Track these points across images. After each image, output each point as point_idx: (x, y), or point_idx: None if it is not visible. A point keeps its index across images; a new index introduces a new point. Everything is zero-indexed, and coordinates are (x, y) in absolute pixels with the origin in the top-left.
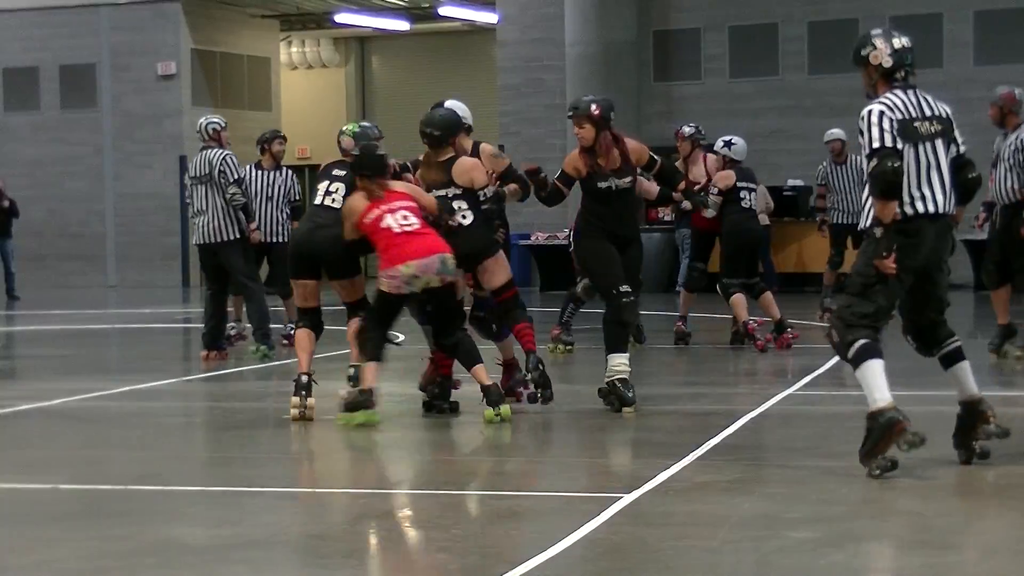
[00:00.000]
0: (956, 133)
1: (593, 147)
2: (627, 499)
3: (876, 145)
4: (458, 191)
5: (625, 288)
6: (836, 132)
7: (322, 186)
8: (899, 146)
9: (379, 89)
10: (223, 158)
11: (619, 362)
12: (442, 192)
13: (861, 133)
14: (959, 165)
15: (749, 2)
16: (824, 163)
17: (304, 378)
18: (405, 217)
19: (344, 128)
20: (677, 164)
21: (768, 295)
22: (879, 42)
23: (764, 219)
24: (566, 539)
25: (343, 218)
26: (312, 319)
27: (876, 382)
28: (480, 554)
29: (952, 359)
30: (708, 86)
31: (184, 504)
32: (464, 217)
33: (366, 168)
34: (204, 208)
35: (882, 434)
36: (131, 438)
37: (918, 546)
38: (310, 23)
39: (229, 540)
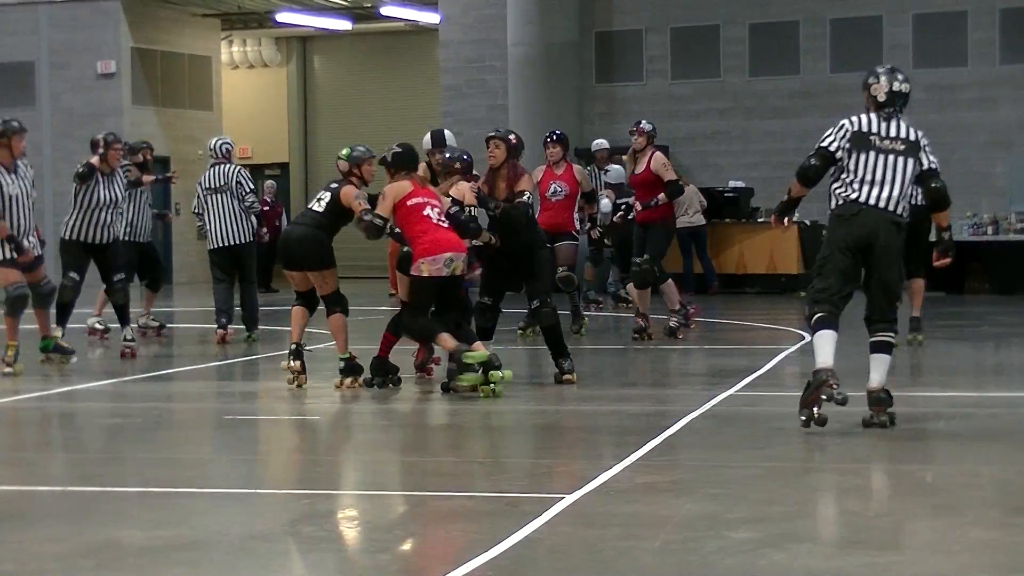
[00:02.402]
0: (923, 153)
1: (498, 168)
2: (568, 500)
3: (821, 144)
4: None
5: (486, 300)
6: (602, 142)
7: (321, 194)
8: (835, 149)
9: (321, 89)
10: (238, 171)
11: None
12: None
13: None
14: (923, 177)
15: (691, 4)
16: (588, 169)
17: (294, 346)
18: (439, 212)
19: (340, 154)
20: (624, 158)
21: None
22: (883, 79)
23: (700, 218)
24: (507, 540)
25: (383, 196)
26: (306, 299)
27: (823, 348)
28: (421, 555)
29: (877, 348)
30: (650, 87)
31: (123, 505)
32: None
33: (408, 163)
34: (221, 215)
35: (816, 387)
36: (69, 439)
37: (858, 546)
38: (252, 22)
39: (169, 541)
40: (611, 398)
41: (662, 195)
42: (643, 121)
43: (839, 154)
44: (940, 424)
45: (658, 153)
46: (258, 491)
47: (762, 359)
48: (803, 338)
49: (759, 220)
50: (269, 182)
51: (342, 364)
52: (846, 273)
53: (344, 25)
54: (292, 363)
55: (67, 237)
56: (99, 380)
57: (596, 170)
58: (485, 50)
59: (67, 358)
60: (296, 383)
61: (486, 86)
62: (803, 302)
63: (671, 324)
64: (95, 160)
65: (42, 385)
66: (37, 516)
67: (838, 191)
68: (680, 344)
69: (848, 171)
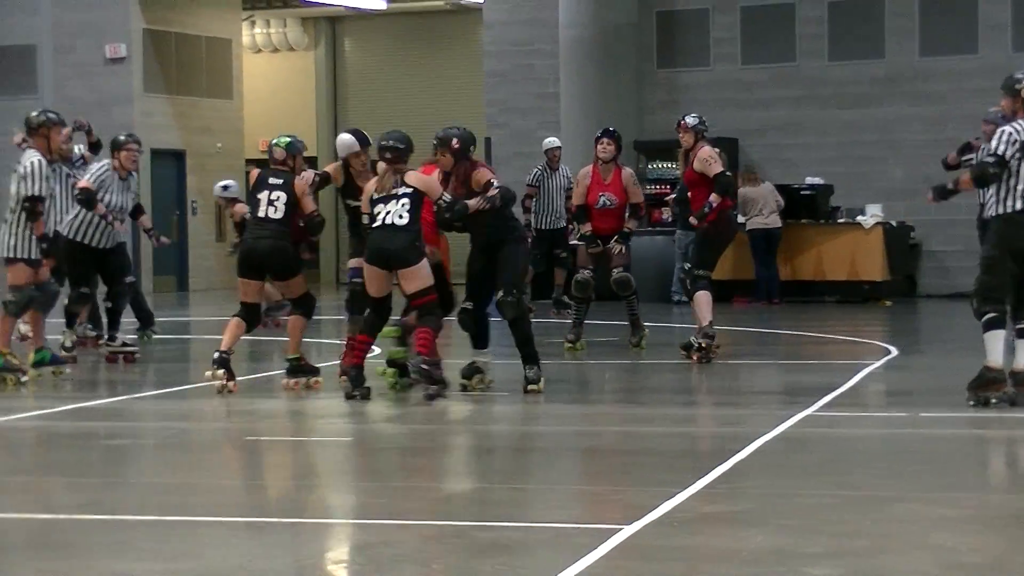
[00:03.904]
0: None
1: (450, 173)
2: (626, 531)
3: (995, 152)
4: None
5: (467, 305)
6: (553, 141)
7: (262, 196)
8: (1009, 157)
9: (352, 74)
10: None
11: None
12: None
13: (990, 141)
14: None
15: None
16: (539, 167)
17: (219, 354)
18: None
19: (275, 140)
20: (679, 154)
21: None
22: None
23: (776, 219)
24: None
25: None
26: (249, 312)
27: (994, 347)
28: None
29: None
30: (717, 73)
31: (135, 535)
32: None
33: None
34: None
35: (987, 383)
36: (74, 462)
37: None
38: (276, 1)
39: (187, 575)
40: (673, 419)
41: (713, 196)
42: (687, 115)
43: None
44: None
45: (704, 147)
46: (281, 520)
47: (842, 376)
48: (888, 352)
49: (839, 221)
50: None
51: (288, 365)
52: (1014, 275)
53: (378, 4)
54: (217, 371)
55: (73, 238)
56: (105, 397)
57: (547, 170)
58: (534, 32)
59: (61, 369)
60: (226, 390)
61: (534, 72)
62: (970, 297)
63: (690, 339)
64: (86, 153)
65: (42, 403)
66: (39, 547)
67: (1005, 196)
68: (750, 359)
69: (1020, 178)
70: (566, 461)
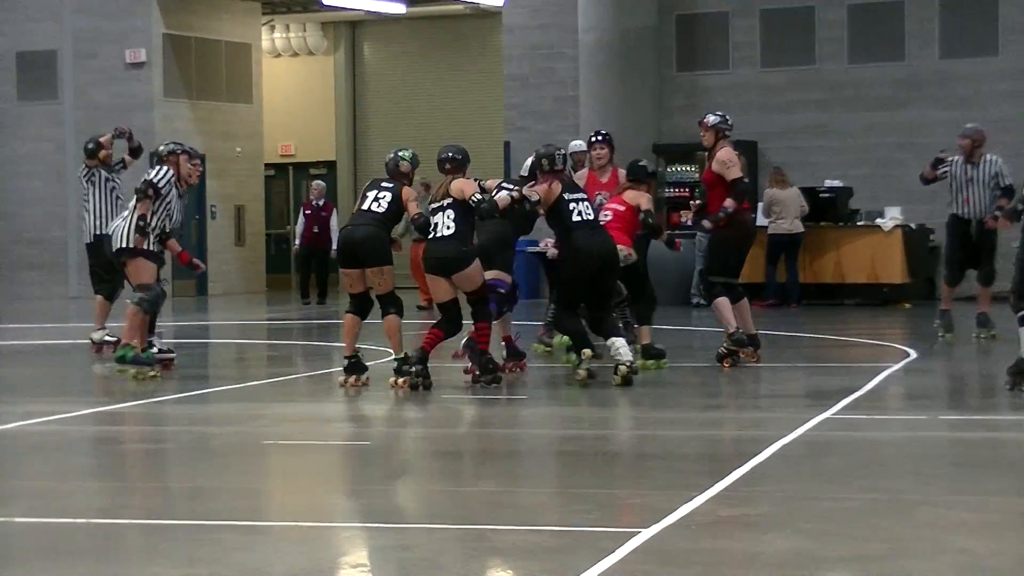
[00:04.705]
0: None
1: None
2: (645, 535)
3: None
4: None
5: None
6: (580, 144)
7: (371, 194)
8: None
9: (371, 79)
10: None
11: None
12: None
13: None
14: None
15: None
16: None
17: (346, 361)
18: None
19: (402, 154)
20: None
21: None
22: None
23: (799, 225)
24: None
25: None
26: (359, 304)
27: None
28: None
29: None
30: (737, 76)
31: (154, 540)
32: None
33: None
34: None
35: (1021, 372)
36: (94, 466)
37: None
38: (295, 6)
39: None
40: (693, 422)
41: (729, 201)
42: (710, 114)
43: None
44: None
45: (725, 148)
46: (301, 524)
47: (863, 378)
48: (908, 355)
49: (859, 224)
50: (317, 182)
51: (396, 364)
52: None
53: (398, 8)
54: (349, 378)
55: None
56: (125, 401)
57: (572, 173)
58: (554, 36)
59: (144, 372)
60: (353, 388)
61: (555, 76)
62: (1011, 293)
63: (720, 349)
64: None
65: (64, 407)
66: (59, 552)
67: None
68: (770, 362)
69: None
70: (585, 464)
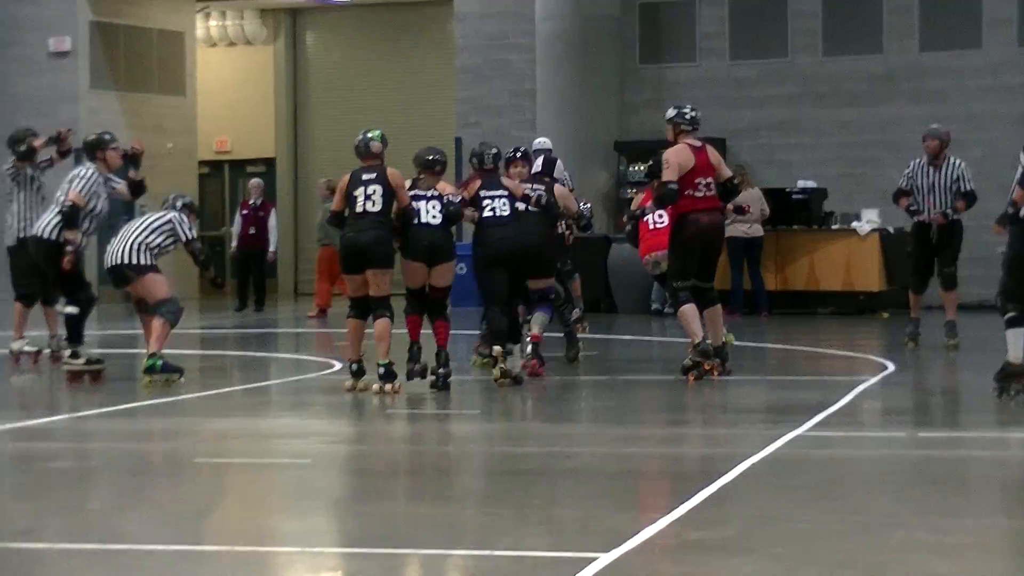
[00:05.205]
0: None
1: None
2: (604, 560)
3: None
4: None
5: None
6: (545, 142)
7: (358, 193)
8: None
9: (314, 70)
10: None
11: None
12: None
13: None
14: None
15: None
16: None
17: (354, 365)
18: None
19: (370, 135)
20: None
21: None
22: None
23: (758, 229)
24: None
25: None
26: (360, 307)
27: (1014, 343)
28: None
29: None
30: (704, 69)
31: (75, 565)
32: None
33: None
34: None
35: (1008, 376)
36: (13, 485)
37: None
38: None
39: None
40: (656, 439)
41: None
42: (670, 107)
43: None
44: None
45: (675, 147)
46: (235, 548)
47: (836, 393)
48: (885, 368)
49: (834, 227)
50: (255, 180)
51: (382, 370)
52: None
53: None
54: (357, 382)
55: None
56: (46, 416)
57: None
58: (509, 25)
59: (174, 378)
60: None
61: (510, 68)
62: (998, 296)
63: (685, 360)
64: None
65: None
66: None
67: None
68: (737, 375)
69: None
70: (542, 484)
